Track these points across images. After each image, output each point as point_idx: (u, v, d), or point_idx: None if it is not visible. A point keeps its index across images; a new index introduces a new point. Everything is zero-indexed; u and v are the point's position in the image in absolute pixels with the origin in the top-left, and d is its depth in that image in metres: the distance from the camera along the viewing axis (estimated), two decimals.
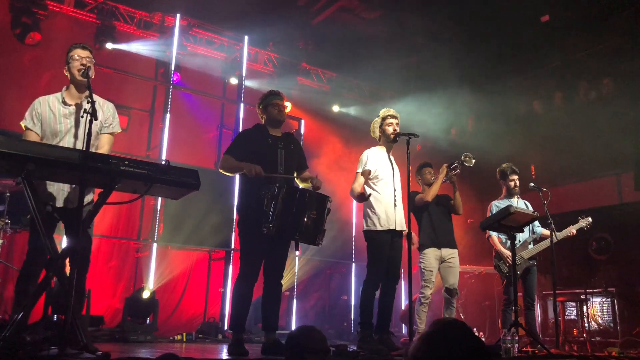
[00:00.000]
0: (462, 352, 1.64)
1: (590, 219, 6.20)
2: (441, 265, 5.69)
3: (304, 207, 3.99)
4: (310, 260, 9.48)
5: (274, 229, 3.90)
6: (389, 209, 4.89)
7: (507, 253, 5.81)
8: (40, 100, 3.76)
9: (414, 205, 5.70)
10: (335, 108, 10.67)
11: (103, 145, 3.86)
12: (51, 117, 3.71)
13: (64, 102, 3.77)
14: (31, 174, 3.07)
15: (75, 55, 3.77)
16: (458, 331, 1.70)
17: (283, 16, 8.66)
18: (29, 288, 3.48)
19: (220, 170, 4.37)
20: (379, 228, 4.85)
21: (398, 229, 4.88)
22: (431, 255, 5.64)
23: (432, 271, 5.62)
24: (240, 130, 9.05)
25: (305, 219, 3.98)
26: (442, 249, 5.69)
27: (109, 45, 8.18)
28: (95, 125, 3.72)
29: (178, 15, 8.76)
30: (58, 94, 3.81)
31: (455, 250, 5.78)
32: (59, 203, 3.64)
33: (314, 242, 4.09)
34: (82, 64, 3.72)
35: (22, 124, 3.71)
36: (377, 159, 5.04)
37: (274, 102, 4.49)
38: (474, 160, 5.64)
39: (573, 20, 8.72)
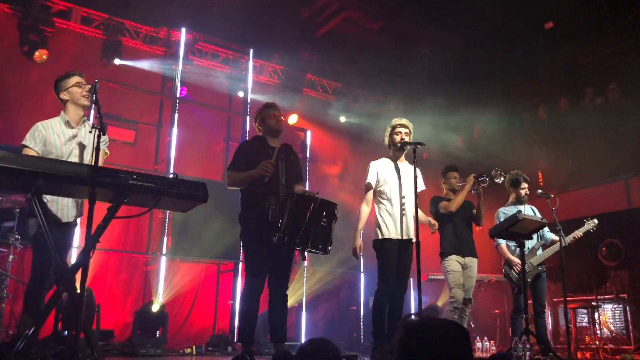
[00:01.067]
0: (440, 335, 1.64)
1: (596, 221, 6.16)
2: (463, 273, 5.65)
3: (313, 214, 4.00)
4: (319, 272, 9.46)
5: (285, 237, 3.92)
6: (396, 218, 4.90)
7: (516, 261, 5.78)
8: (43, 124, 3.87)
9: (435, 211, 5.68)
10: (342, 119, 10.69)
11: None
12: (57, 140, 3.83)
13: (68, 125, 3.91)
14: (40, 189, 3.09)
15: (78, 82, 3.94)
16: (438, 320, 1.72)
17: (287, 28, 8.73)
18: (39, 304, 3.50)
19: (229, 187, 4.42)
20: (386, 237, 4.86)
21: (405, 238, 4.87)
22: (455, 260, 5.62)
23: (460, 272, 5.57)
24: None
25: (316, 227, 3.98)
26: (465, 257, 5.67)
27: (116, 61, 8.26)
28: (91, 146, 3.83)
29: (183, 30, 8.83)
30: (58, 118, 3.95)
31: (476, 260, 5.75)
32: (63, 219, 3.71)
33: (325, 250, 4.09)
34: (86, 91, 3.90)
35: (23, 143, 3.80)
36: (383, 169, 5.06)
37: (270, 113, 4.58)
38: (502, 178, 5.67)
39: (577, 27, 8.73)
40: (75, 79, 3.96)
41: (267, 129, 4.57)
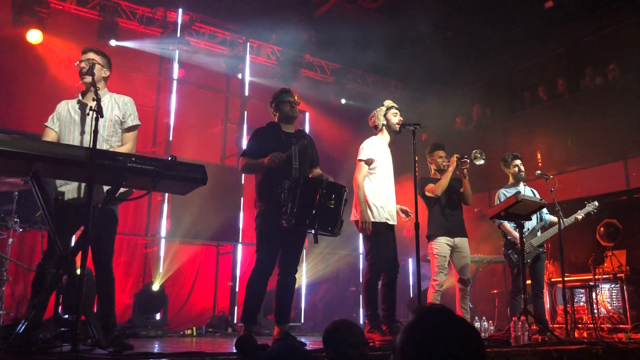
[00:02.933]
0: (455, 342, 1.48)
1: (596, 203, 6.18)
2: (454, 255, 5.62)
3: (321, 197, 4.00)
4: (318, 253, 9.49)
5: (293, 220, 3.93)
6: (386, 201, 4.93)
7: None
8: (62, 103, 3.92)
9: (422, 193, 5.68)
10: (342, 101, 10.64)
11: (127, 142, 3.95)
12: (67, 117, 3.82)
13: (80, 103, 3.88)
14: (38, 172, 3.08)
15: (79, 60, 3.91)
16: (447, 319, 1.55)
17: (285, 9, 8.63)
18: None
19: (242, 172, 4.42)
20: (376, 220, 4.86)
21: (391, 222, 4.93)
22: (443, 242, 5.59)
23: (445, 257, 5.55)
24: (246, 124, 9.08)
25: (324, 210, 3.99)
26: (454, 237, 5.66)
27: (112, 42, 8.18)
28: (110, 121, 3.88)
29: (180, 11, 8.75)
30: (77, 98, 3.95)
31: (466, 239, 5.74)
32: (73, 194, 3.68)
33: (334, 232, 4.11)
34: (81, 67, 3.86)
35: (45, 124, 3.85)
36: (377, 149, 5.05)
37: (285, 99, 4.54)
38: (482, 161, 5.63)
39: (577, 6, 8.65)
40: (82, 56, 3.95)
41: (281, 115, 4.54)
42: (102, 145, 3.73)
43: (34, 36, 7.60)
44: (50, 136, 3.77)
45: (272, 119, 4.64)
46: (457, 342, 1.48)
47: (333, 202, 4.03)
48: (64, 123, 3.81)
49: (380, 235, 4.86)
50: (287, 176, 4.15)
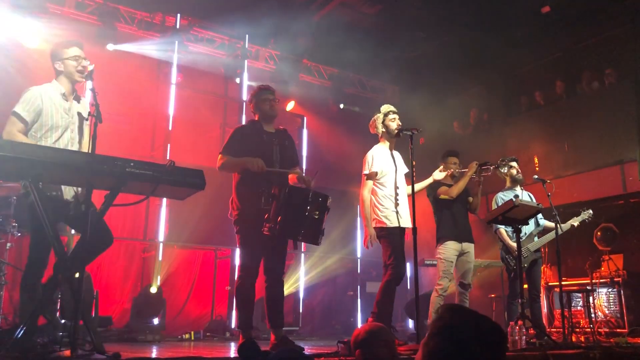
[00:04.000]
0: (481, 336, 1.55)
1: (591, 211, 6.24)
2: (459, 259, 5.66)
3: (305, 206, 3.98)
4: (316, 258, 9.50)
5: (277, 230, 3.90)
6: (394, 206, 4.95)
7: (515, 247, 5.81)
8: (40, 90, 3.62)
9: (434, 195, 5.69)
10: (341, 105, 10.67)
11: (86, 135, 3.82)
12: (53, 109, 3.62)
13: (64, 97, 3.72)
14: (38, 177, 3.09)
15: (76, 55, 3.73)
16: (469, 316, 1.61)
17: (283, 13, 8.66)
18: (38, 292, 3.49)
19: (220, 170, 4.37)
20: (390, 225, 4.88)
21: (402, 225, 4.93)
22: (451, 247, 5.61)
23: (452, 262, 5.57)
24: None
25: (307, 219, 3.98)
26: (462, 243, 5.68)
27: (110, 47, 8.19)
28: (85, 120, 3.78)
29: (179, 15, 8.77)
30: (55, 86, 3.72)
31: (473, 245, 5.77)
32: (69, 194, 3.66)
33: (316, 241, 4.09)
34: (82, 65, 3.70)
35: (14, 110, 3.51)
36: (380, 159, 5.06)
37: (264, 97, 4.48)
38: (506, 169, 5.68)
39: (574, 11, 8.70)
40: (73, 51, 3.73)
41: (261, 114, 4.49)
42: (75, 146, 3.71)
43: (32, 41, 7.60)
44: (17, 127, 3.47)
45: None
46: (482, 334, 1.54)
47: (318, 212, 4.01)
48: (48, 116, 3.59)
49: (397, 238, 4.87)
50: (268, 178, 4.13)
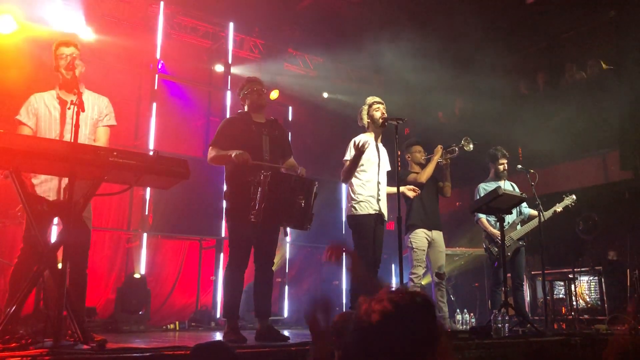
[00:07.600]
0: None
1: (574, 197, 6.30)
2: (430, 248, 5.70)
3: (290, 192, 4.00)
4: (301, 247, 9.51)
5: (261, 216, 3.91)
6: (373, 194, 4.93)
7: (498, 234, 5.86)
8: (36, 96, 3.77)
9: (404, 183, 5.70)
10: (325, 95, 10.62)
11: (100, 138, 3.90)
12: (47, 114, 3.73)
13: (59, 99, 3.79)
14: (19, 167, 3.05)
15: (60, 53, 3.77)
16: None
17: (268, 1, 8.59)
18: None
19: (210, 163, 4.39)
20: (363, 212, 4.88)
21: (378, 213, 4.93)
22: (422, 235, 5.66)
23: (423, 250, 5.63)
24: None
25: (293, 205, 3.99)
26: (432, 230, 5.71)
27: (91, 35, 8.05)
28: (92, 119, 3.83)
29: (162, 4, 8.65)
30: (52, 91, 3.83)
31: (441, 233, 5.82)
32: (54, 196, 3.63)
33: (303, 227, 4.11)
34: (67, 62, 3.72)
35: (17, 117, 3.71)
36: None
37: (252, 88, 4.52)
38: (472, 145, 5.70)
39: (558, 2, 8.73)
40: (57, 45, 3.80)
41: (250, 104, 4.52)
42: (84, 142, 3.69)
43: (9, 25, 7.33)
44: (24, 132, 3.64)
45: None
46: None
47: (302, 197, 4.03)
48: (42, 120, 3.72)
49: (369, 229, 4.86)
50: (258, 168, 4.14)
